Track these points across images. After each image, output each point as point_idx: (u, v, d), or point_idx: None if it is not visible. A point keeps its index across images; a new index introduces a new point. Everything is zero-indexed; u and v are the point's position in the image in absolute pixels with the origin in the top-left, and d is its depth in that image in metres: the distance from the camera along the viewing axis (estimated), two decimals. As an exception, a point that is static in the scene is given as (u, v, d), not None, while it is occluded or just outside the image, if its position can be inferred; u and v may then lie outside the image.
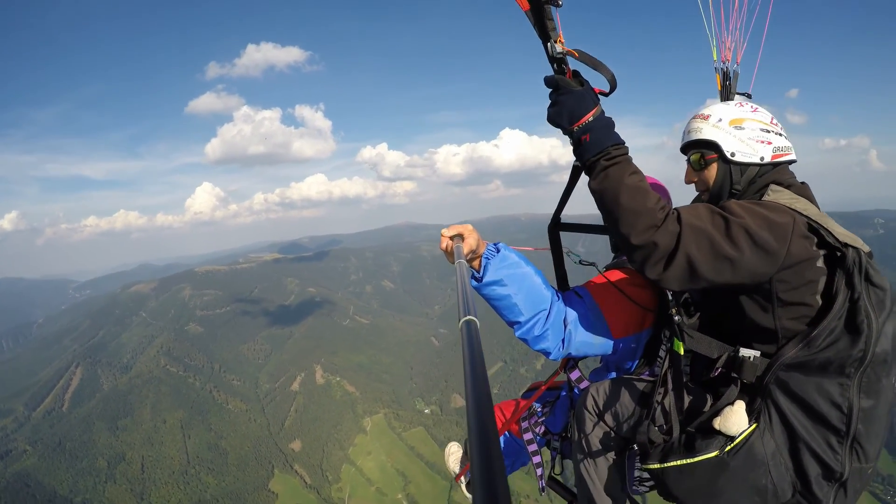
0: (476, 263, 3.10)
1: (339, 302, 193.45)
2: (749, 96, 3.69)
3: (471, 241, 2.94)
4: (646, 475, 3.33)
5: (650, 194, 2.55)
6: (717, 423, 2.68)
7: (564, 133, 2.71)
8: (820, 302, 2.50)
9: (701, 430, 2.78)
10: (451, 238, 2.96)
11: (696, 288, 2.60)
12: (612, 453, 3.37)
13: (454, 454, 5.28)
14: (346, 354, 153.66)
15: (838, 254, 2.45)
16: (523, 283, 3.10)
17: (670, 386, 2.92)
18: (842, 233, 2.49)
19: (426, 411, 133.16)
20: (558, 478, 4.28)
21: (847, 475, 2.55)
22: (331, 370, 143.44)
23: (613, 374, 3.64)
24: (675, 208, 2.56)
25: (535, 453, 4.15)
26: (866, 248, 2.51)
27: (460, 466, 5.20)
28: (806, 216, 2.51)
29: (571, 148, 2.73)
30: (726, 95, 3.81)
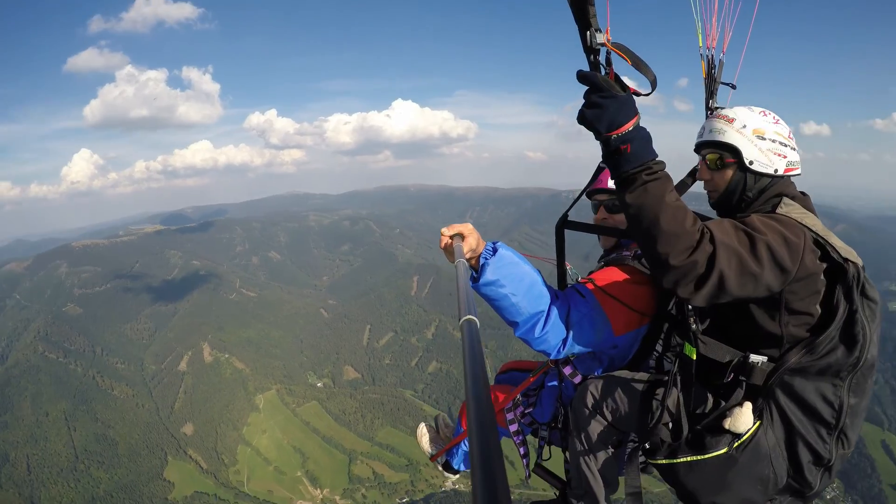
0: (475, 262, 3.16)
1: (225, 275, 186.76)
2: (734, 87, 3.96)
3: (471, 241, 3.03)
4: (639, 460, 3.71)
5: (688, 214, 2.61)
6: (728, 423, 2.92)
7: (596, 137, 2.66)
8: (820, 311, 2.79)
9: (708, 429, 3.04)
10: (451, 237, 3.04)
11: (719, 302, 2.68)
12: (610, 447, 3.61)
13: (426, 435, 5.39)
14: (234, 330, 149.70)
15: (839, 267, 2.73)
16: (521, 282, 3.15)
17: (679, 388, 3.09)
18: (842, 247, 2.74)
19: (319, 385, 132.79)
20: (544, 465, 4.37)
21: (833, 461, 2.96)
22: (219, 347, 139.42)
23: (601, 367, 3.81)
24: (703, 225, 2.62)
25: (521, 444, 4.28)
26: (860, 262, 2.76)
27: (435, 447, 5.35)
28: (814, 232, 2.75)
29: (603, 152, 2.69)
30: (710, 83, 3.92)
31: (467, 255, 2.95)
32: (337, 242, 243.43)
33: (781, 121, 3.12)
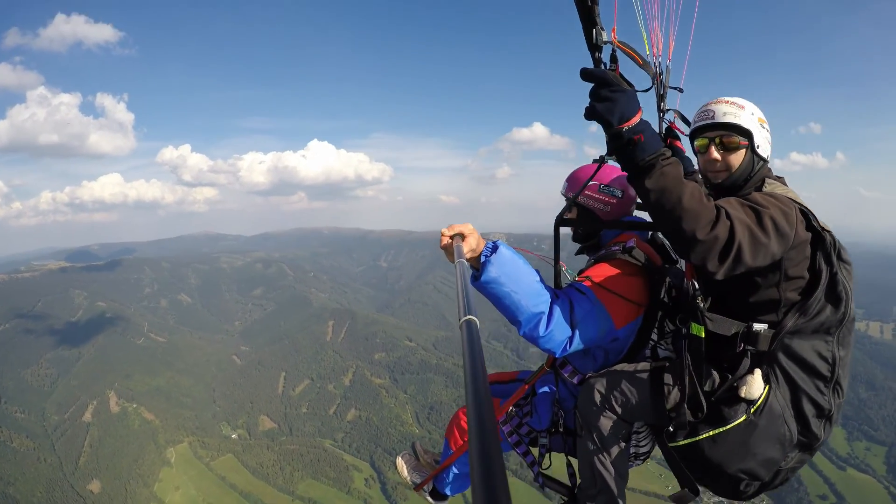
0: (476, 263, 3.21)
1: (133, 318, 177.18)
2: (681, 90, 4.22)
3: (471, 241, 3.09)
4: (642, 450, 3.90)
5: (703, 192, 2.81)
6: (743, 392, 3.10)
7: (607, 130, 2.78)
8: (808, 275, 3.07)
9: (723, 402, 3.20)
10: (451, 237, 3.09)
11: (734, 274, 2.88)
12: (622, 441, 3.64)
13: (407, 463, 5.21)
14: (142, 377, 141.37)
15: (819, 235, 3.04)
16: (522, 281, 3.21)
17: (690, 367, 3.20)
18: (821, 219, 3.07)
19: (233, 436, 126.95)
20: (547, 473, 4.34)
21: (833, 411, 3.22)
22: (126, 396, 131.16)
23: (594, 364, 3.89)
24: (716, 203, 2.82)
25: (526, 453, 4.24)
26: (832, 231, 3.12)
27: (418, 475, 5.17)
28: (799, 203, 3.06)
29: (612, 146, 2.82)
30: (659, 89, 4.09)
31: (467, 255, 3.04)
32: (249, 286, 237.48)
33: None
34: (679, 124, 4.15)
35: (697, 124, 3.47)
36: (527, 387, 4.29)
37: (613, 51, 2.85)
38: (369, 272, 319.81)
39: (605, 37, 2.76)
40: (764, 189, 3.21)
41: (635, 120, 2.70)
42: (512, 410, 4.31)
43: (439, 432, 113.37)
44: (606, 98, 2.67)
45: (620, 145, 2.75)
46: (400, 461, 5.17)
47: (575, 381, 3.91)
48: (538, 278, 3.34)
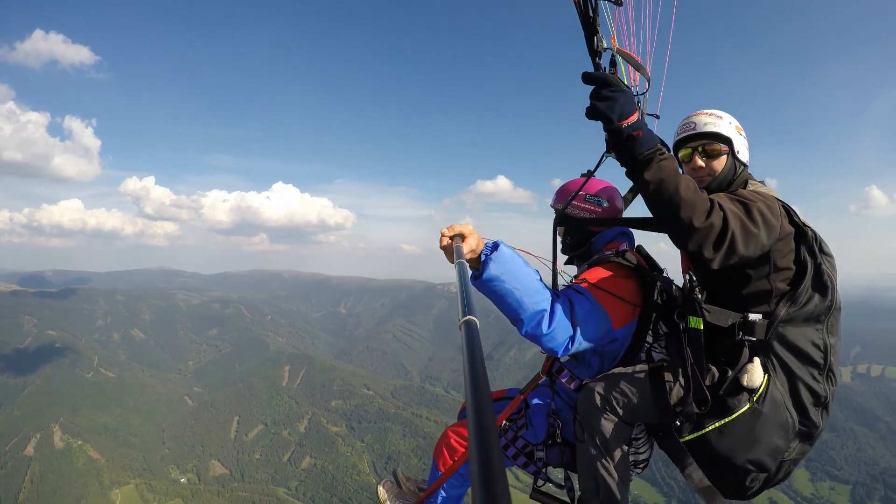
0: (476, 263, 3.25)
1: (83, 350, 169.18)
2: (657, 117, 4.20)
3: (471, 242, 3.14)
4: (641, 457, 3.91)
5: (696, 184, 2.97)
6: (745, 381, 3.19)
7: (607, 128, 2.94)
8: (794, 267, 3.25)
9: (725, 392, 3.28)
10: (451, 238, 3.13)
11: (729, 264, 3.02)
12: (624, 444, 3.64)
13: (389, 492, 4.93)
14: (90, 413, 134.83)
15: (801, 230, 3.25)
16: (523, 279, 3.25)
17: (692, 361, 3.28)
18: (801, 215, 3.29)
19: (182, 480, 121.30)
20: (544, 489, 4.31)
21: (828, 397, 3.35)
22: (71, 432, 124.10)
23: (589, 370, 3.90)
24: (709, 196, 3.00)
25: (526, 465, 4.18)
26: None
27: (402, 503, 4.92)
28: (780, 201, 3.29)
29: (612, 142, 3.00)
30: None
31: (468, 256, 3.08)
32: (205, 325, 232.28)
33: None
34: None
35: (681, 136, 3.70)
36: (521, 398, 4.26)
37: (613, 56, 3.08)
38: (328, 318, 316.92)
39: (604, 43, 3.00)
40: (749, 187, 3.45)
41: (634, 118, 2.87)
42: (506, 424, 4.25)
43: None
44: (607, 97, 2.85)
45: (619, 141, 2.92)
46: (382, 490, 4.96)
47: (572, 387, 3.93)
48: (538, 277, 3.41)
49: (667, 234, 3.20)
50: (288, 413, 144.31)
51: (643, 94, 3.45)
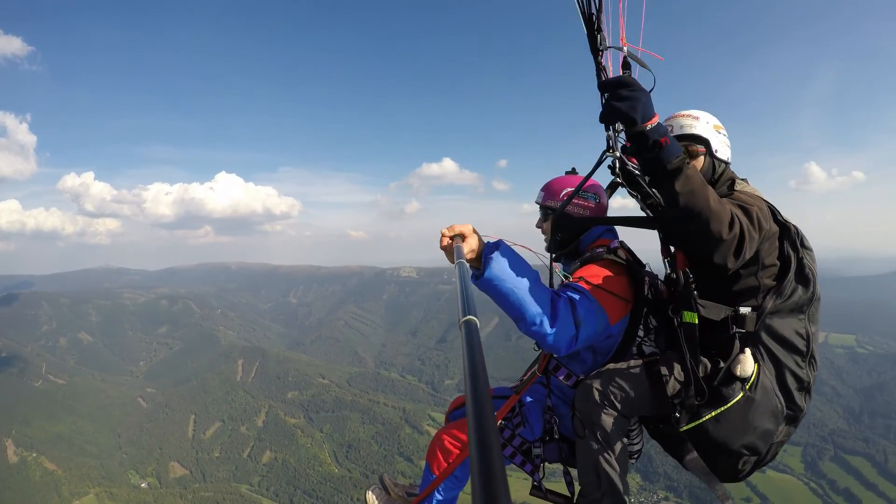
0: (476, 263, 3.23)
1: (30, 358, 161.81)
2: None
3: (472, 242, 3.15)
4: (635, 448, 4.02)
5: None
6: (738, 371, 3.32)
7: (630, 129, 2.79)
8: (779, 263, 3.40)
9: (719, 382, 3.39)
10: (452, 238, 3.14)
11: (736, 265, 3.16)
12: (623, 437, 3.70)
13: (378, 498, 4.81)
14: (42, 423, 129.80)
15: (786, 227, 3.42)
16: (525, 278, 3.23)
17: (687, 354, 3.36)
18: (784, 214, 3.44)
19: (143, 485, 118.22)
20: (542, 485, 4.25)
21: (811, 382, 3.52)
22: (25, 444, 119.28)
23: (583, 367, 3.96)
24: None
25: (523, 463, 4.16)
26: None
27: None
28: (766, 201, 3.46)
29: (635, 148, 2.86)
30: None
31: (468, 256, 3.06)
32: (154, 323, 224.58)
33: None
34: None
35: None
36: (517, 397, 4.24)
37: (625, 57, 3.05)
38: (278, 308, 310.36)
39: (608, 41, 3.01)
40: (736, 188, 3.64)
41: (656, 120, 2.76)
42: (502, 423, 4.22)
43: (360, 470, 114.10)
44: (627, 97, 2.72)
45: (645, 147, 2.80)
46: (371, 496, 4.79)
47: (569, 383, 3.98)
48: (538, 276, 3.42)
49: (670, 236, 3.54)
50: (244, 408, 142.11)
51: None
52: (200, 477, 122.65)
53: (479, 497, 0.69)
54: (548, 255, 4.06)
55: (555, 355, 3.99)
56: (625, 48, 3.03)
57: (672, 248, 3.74)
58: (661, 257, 3.94)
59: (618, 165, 4.23)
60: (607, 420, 3.60)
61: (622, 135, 4.38)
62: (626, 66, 3.02)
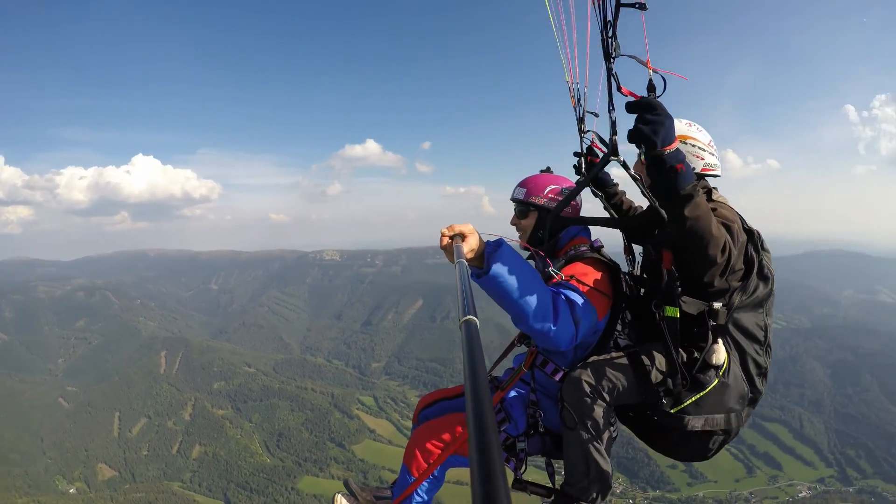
0: (476, 262, 3.25)
1: None
2: (596, 115, 4.71)
3: (472, 241, 3.15)
4: (613, 436, 4.13)
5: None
6: (713, 359, 3.61)
7: (650, 152, 2.94)
8: (744, 266, 3.68)
9: (698, 371, 3.68)
10: (451, 237, 3.13)
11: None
12: (610, 426, 3.90)
13: (349, 502, 4.60)
14: None
15: (751, 233, 3.76)
16: (527, 276, 3.29)
17: (671, 346, 3.57)
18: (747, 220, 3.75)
19: (72, 491, 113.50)
20: (525, 479, 4.14)
21: (767, 368, 3.92)
22: None
23: (565, 361, 4.06)
24: None
25: (507, 460, 4.16)
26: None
27: None
28: (734, 210, 3.78)
29: (653, 168, 3.00)
30: (578, 113, 4.79)
31: (467, 255, 3.08)
32: (72, 317, 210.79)
33: (703, 130, 4.12)
34: (599, 144, 4.53)
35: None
36: (502, 394, 4.25)
37: (651, 79, 3.09)
38: (200, 296, 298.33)
39: (620, 49, 3.10)
40: (714, 199, 3.93)
41: (675, 145, 2.95)
42: None
43: (293, 459, 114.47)
44: (652, 121, 2.90)
45: (663, 170, 2.99)
46: (342, 501, 4.58)
47: (557, 378, 4.02)
48: (539, 276, 3.53)
49: (661, 245, 3.70)
50: (170, 402, 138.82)
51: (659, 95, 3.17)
52: (130, 477, 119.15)
53: (479, 497, 0.68)
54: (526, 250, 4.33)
55: (541, 351, 4.10)
56: (650, 71, 3.09)
57: (633, 247, 4.41)
58: (623, 255, 4.48)
59: (584, 164, 4.99)
60: (598, 411, 3.71)
61: (588, 135, 4.98)
62: (651, 88, 3.10)
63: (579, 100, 4.81)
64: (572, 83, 4.67)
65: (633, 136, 2.96)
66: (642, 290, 4.22)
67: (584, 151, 5.07)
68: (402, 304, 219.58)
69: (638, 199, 5.20)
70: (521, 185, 4.45)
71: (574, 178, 4.84)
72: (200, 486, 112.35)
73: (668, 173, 2.98)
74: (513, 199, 4.51)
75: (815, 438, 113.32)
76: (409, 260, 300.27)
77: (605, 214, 5.10)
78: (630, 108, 2.98)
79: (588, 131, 4.92)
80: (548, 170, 4.56)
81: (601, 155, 4.53)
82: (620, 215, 5.18)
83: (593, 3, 3.04)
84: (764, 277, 3.82)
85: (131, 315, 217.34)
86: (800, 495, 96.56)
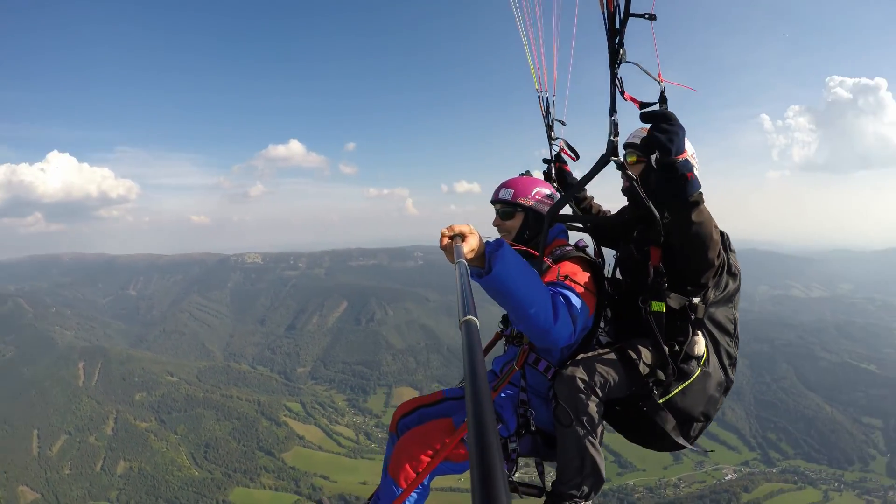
0: (476, 262, 3.22)
1: None
2: (563, 123, 4.89)
3: (472, 241, 3.11)
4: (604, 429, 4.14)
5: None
6: (695, 351, 3.82)
7: (663, 159, 3.10)
8: (717, 263, 3.81)
9: (681, 361, 3.88)
10: (451, 238, 3.11)
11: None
12: (603, 420, 3.99)
13: None
14: None
15: (722, 234, 3.85)
16: (528, 276, 3.31)
17: (660, 339, 3.75)
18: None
19: None
20: (517, 479, 4.27)
21: (737, 358, 4.17)
22: None
23: (553, 358, 4.09)
24: None
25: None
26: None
27: None
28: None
29: (663, 174, 3.18)
30: (548, 120, 4.92)
31: (468, 255, 3.06)
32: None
33: (688, 141, 4.09)
34: (567, 150, 4.90)
35: (628, 141, 4.63)
36: (494, 394, 4.19)
37: (663, 91, 3.26)
38: (118, 303, 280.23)
39: (627, 56, 3.20)
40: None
41: (685, 155, 3.13)
42: None
43: (221, 471, 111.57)
44: (666, 131, 3.06)
45: (673, 177, 3.19)
46: None
47: (549, 375, 4.09)
48: (539, 275, 3.60)
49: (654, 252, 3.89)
50: (91, 416, 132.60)
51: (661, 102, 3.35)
52: (54, 499, 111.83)
53: (479, 497, 0.69)
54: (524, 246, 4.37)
55: (534, 349, 4.14)
56: (662, 83, 3.27)
57: (602, 250, 4.64)
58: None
59: (553, 170, 5.33)
60: (592, 406, 3.80)
61: (556, 142, 5.22)
62: (662, 99, 3.28)
63: (548, 108, 5.02)
64: (541, 91, 4.84)
65: (649, 143, 3.17)
66: (618, 290, 4.43)
67: (553, 158, 5.36)
68: (326, 307, 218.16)
69: (605, 202, 5.44)
70: (507, 186, 4.51)
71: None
72: (128, 503, 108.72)
73: (678, 180, 3.21)
74: (498, 201, 4.55)
75: (738, 425, 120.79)
76: (332, 262, 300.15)
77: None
78: (646, 117, 3.21)
79: (557, 138, 5.13)
80: (527, 173, 4.67)
81: (568, 161, 5.07)
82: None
83: (602, 12, 3.17)
84: (733, 275, 4.13)
85: (46, 324, 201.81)
86: (726, 478, 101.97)
